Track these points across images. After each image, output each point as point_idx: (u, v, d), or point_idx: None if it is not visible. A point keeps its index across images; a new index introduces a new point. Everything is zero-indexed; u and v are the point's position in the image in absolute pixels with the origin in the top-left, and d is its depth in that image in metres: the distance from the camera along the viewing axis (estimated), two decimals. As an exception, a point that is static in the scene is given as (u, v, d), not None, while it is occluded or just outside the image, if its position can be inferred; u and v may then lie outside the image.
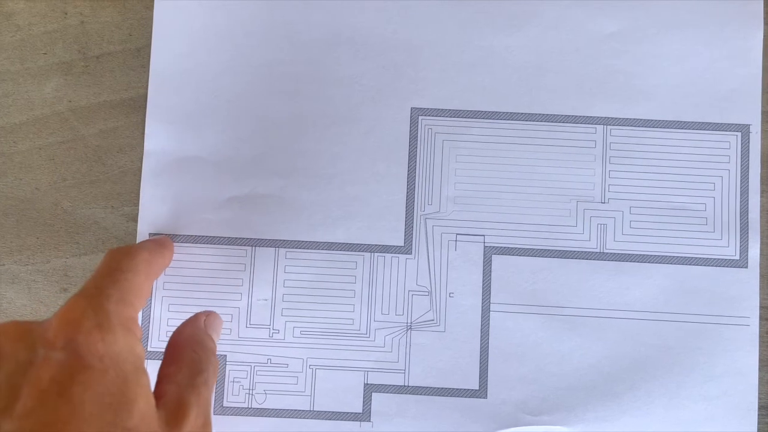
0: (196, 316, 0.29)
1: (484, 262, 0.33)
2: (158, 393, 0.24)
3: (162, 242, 0.31)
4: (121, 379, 0.22)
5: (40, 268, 0.33)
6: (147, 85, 0.34)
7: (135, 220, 0.33)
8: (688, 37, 0.34)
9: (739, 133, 0.34)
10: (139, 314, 0.33)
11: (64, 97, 0.34)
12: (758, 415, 0.33)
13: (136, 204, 0.33)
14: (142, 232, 0.33)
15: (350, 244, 0.33)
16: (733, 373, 0.33)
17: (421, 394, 0.32)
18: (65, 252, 0.33)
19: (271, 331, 0.33)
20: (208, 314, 0.29)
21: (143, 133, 0.34)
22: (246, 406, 0.32)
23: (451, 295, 0.33)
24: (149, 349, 0.32)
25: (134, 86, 0.34)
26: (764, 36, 0.34)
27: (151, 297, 0.33)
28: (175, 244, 0.33)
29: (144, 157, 0.34)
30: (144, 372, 0.23)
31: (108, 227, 0.33)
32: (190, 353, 0.26)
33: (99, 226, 0.33)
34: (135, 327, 0.24)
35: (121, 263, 0.26)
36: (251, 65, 0.34)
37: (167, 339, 0.32)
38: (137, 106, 0.34)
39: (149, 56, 0.34)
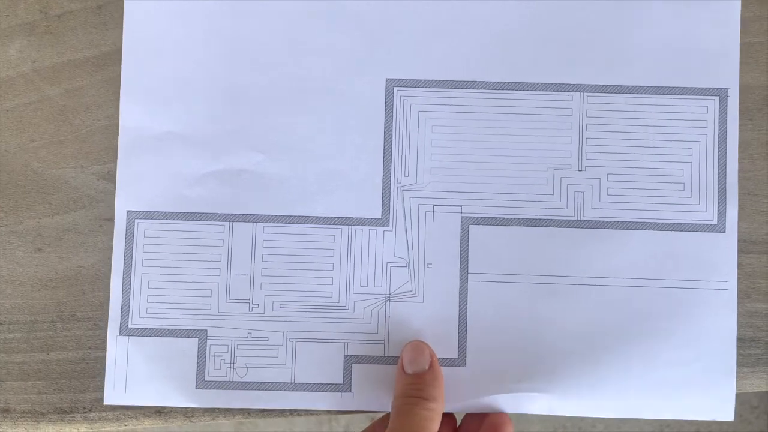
0: None
1: (461, 233, 0.33)
2: None
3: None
4: None
5: (13, 229, 0.34)
6: (111, 43, 0.34)
7: (105, 178, 0.34)
8: (664, 2, 0.33)
9: (717, 98, 0.33)
10: (120, 290, 0.33)
11: (28, 58, 0.34)
12: (736, 366, 0.33)
13: (106, 162, 0.34)
14: (120, 210, 0.33)
15: (328, 217, 0.33)
16: (712, 337, 0.33)
17: (400, 364, 0.33)
18: (38, 212, 0.34)
19: (251, 305, 0.33)
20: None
21: (109, 92, 0.34)
22: (228, 380, 0.33)
23: (429, 265, 0.33)
24: (130, 325, 0.33)
25: (98, 44, 0.34)
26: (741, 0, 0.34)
27: (130, 275, 0.33)
28: (153, 221, 0.33)
29: (119, 134, 0.34)
30: None
31: (79, 186, 0.34)
32: None
33: (70, 186, 0.34)
34: None
35: None
36: (224, 39, 0.34)
37: (147, 316, 0.33)
38: (101, 64, 0.34)
39: (111, 14, 0.34)
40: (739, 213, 0.33)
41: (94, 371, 0.33)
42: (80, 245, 0.34)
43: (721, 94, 0.33)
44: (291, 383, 0.33)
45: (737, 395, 0.33)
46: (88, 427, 0.33)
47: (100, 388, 0.33)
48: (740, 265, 0.33)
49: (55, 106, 0.34)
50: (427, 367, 0.31)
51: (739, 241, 0.33)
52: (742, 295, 0.33)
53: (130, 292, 0.33)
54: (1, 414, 0.33)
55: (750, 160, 0.34)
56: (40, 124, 0.34)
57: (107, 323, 0.33)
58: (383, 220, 0.33)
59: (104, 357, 0.33)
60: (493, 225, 0.33)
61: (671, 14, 0.33)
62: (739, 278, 0.33)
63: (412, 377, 0.31)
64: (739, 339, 0.33)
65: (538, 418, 0.81)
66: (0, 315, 0.34)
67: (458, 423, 0.33)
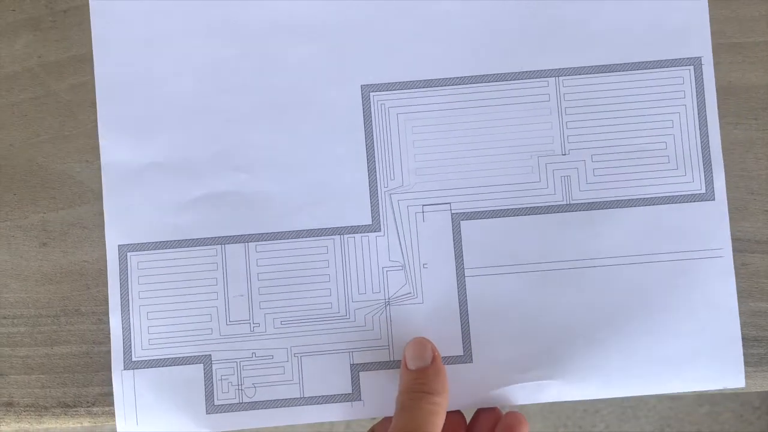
0: None
1: (453, 230, 0.33)
2: None
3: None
4: None
5: (18, 223, 0.34)
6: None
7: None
8: (629, -23, 0.33)
9: (692, 67, 0.33)
10: (120, 325, 0.33)
11: (33, 53, 0.34)
12: (742, 346, 0.33)
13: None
14: (111, 245, 0.33)
15: (318, 229, 0.33)
16: (713, 306, 0.33)
17: (407, 367, 0.33)
18: (43, 207, 0.34)
19: (252, 325, 0.33)
20: None
21: None
22: (237, 402, 0.33)
23: (425, 266, 0.33)
24: (133, 359, 0.33)
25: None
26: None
27: (128, 309, 0.33)
28: (144, 252, 0.33)
29: (102, 171, 0.34)
30: None
31: (84, 181, 0.34)
32: None
33: (74, 181, 0.34)
34: None
35: None
36: (195, 65, 0.34)
37: (150, 347, 0.33)
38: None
39: None
40: (742, 213, 0.33)
41: (97, 366, 0.33)
42: (85, 240, 0.34)
43: (695, 63, 0.33)
44: (301, 398, 0.33)
45: (739, 394, 0.33)
46: (92, 421, 0.33)
47: (104, 383, 0.33)
48: (743, 265, 0.33)
49: (60, 101, 0.34)
50: (429, 362, 0.31)
51: (742, 241, 0.33)
52: (745, 295, 0.33)
53: (130, 326, 0.33)
54: (4, 408, 0.33)
55: (754, 160, 0.34)
56: (46, 118, 0.34)
57: (109, 316, 0.33)
58: (374, 226, 0.33)
59: (108, 352, 0.33)
60: (484, 218, 0.33)
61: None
62: (742, 278, 0.33)
63: (416, 373, 0.31)
64: (743, 338, 0.33)
65: (539, 417, 0.81)
66: (4, 309, 0.34)
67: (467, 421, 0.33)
